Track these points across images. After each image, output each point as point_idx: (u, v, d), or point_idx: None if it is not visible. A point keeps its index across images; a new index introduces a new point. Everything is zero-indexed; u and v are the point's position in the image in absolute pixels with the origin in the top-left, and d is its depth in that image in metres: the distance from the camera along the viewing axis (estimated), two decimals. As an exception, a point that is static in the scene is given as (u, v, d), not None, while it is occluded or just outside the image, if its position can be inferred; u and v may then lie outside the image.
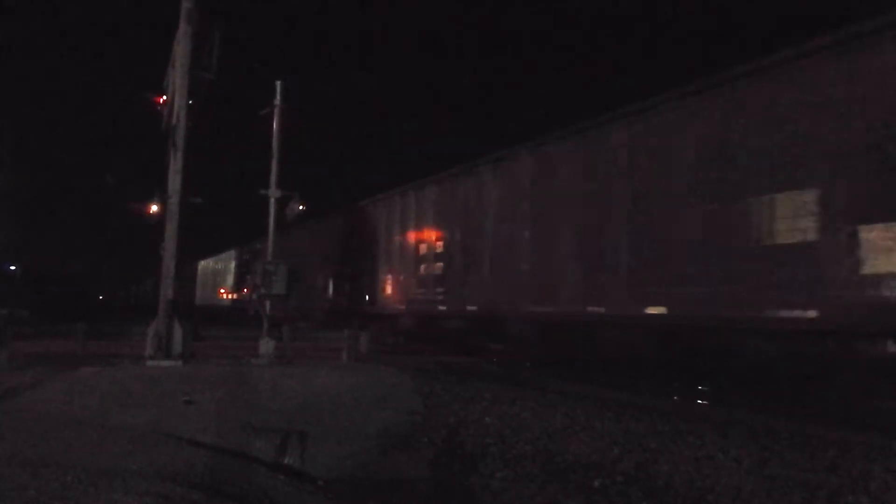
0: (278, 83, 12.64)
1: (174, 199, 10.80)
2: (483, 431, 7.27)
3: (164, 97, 11.67)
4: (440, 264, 14.92)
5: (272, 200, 12.58)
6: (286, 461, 7.04)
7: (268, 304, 12.16)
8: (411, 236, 16.43)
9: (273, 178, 12.51)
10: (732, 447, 5.83)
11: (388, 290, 17.39)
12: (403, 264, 16.65)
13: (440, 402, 8.38)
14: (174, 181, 10.86)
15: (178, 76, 11.01)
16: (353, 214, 20.52)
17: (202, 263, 42.88)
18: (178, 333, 10.41)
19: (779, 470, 5.29)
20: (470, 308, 13.57)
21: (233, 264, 33.64)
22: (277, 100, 12.55)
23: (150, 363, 10.09)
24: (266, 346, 11.37)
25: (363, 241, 19.15)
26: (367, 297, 18.50)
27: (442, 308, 14.59)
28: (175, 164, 10.92)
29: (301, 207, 13.02)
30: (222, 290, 36.82)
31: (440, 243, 15.07)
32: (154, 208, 11.29)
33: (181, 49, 10.96)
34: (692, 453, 5.85)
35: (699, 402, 8.42)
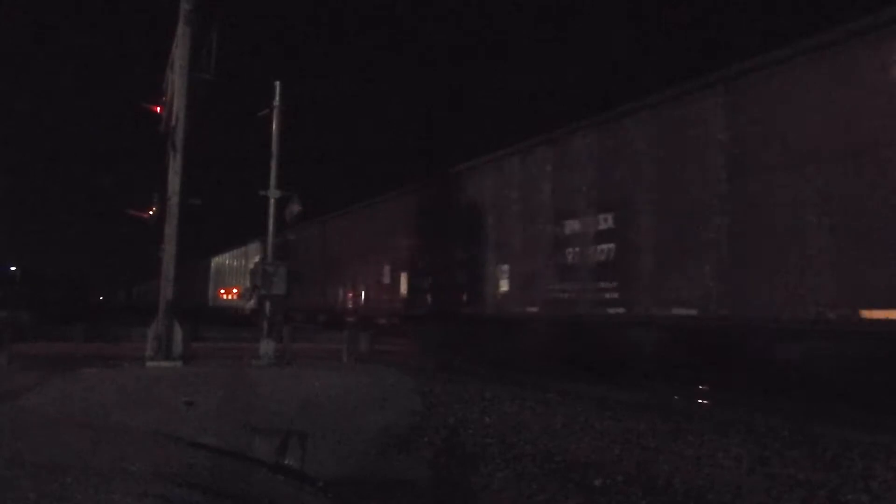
0: (277, 84, 12.63)
1: (174, 201, 10.79)
2: (483, 431, 7.27)
3: (164, 99, 11.69)
4: (608, 246, 10.32)
5: (272, 201, 12.56)
6: (286, 462, 7.05)
7: (268, 304, 12.15)
8: (546, 208, 11.79)
9: (272, 178, 12.50)
10: (732, 446, 5.83)
11: (505, 285, 12.87)
12: (532, 249, 12.09)
13: (440, 401, 8.39)
14: (173, 182, 10.85)
15: (177, 78, 11.01)
16: (439, 188, 15.75)
17: (216, 260, 38.59)
18: (178, 335, 10.40)
19: (779, 468, 5.29)
20: (679, 312, 8.99)
21: (258, 258, 30.84)
22: (276, 100, 12.54)
23: (149, 364, 10.08)
24: (266, 346, 11.35)
25: (457, 222, 14.65)
26: (464, 297, 14.16)
27: (617, 311, 9.97)
28: (174, 166, 10.92)
29: (300, 208, 12.99)
30: (222, 291, 35.54)
31: (606, 215, 10.41)
32: (153, 210, 11.31)
33: (180, 51, 10.96)
34: (692, 452, 5.85)
35: (699, 401, 8.40)
